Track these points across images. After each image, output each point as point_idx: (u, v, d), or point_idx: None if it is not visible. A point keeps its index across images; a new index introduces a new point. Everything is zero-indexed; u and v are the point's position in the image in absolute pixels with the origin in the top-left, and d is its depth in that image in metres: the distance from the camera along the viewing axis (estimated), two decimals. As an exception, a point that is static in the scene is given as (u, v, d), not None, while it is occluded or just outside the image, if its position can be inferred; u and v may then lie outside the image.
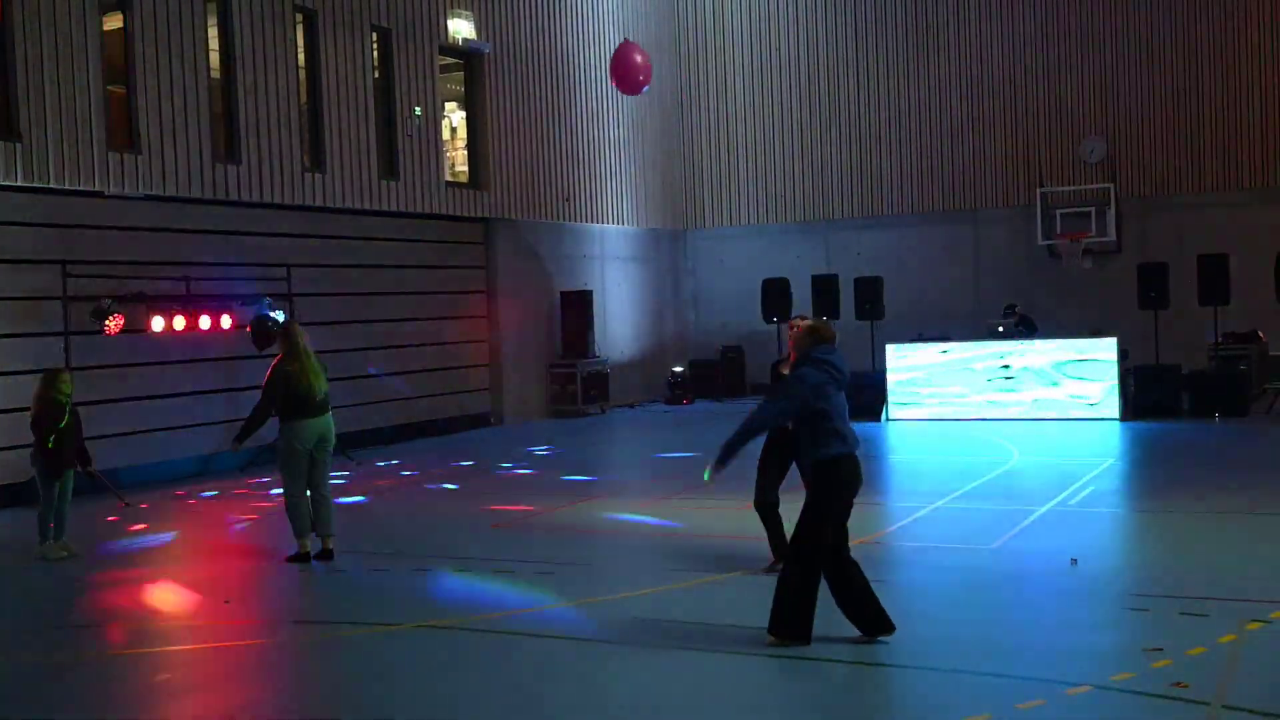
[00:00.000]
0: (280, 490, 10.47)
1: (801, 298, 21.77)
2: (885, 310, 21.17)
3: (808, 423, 7.08)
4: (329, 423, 10.16)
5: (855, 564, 7.20)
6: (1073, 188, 23.07)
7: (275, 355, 10.36)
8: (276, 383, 9.91)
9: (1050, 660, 6.74)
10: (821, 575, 7.03)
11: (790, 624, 7.00)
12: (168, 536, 11.64)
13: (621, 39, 24.18)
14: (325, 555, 10.07)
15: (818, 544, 6.98)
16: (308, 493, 10.07)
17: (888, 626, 7.09)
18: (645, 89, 12.24)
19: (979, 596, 8.36)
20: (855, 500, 7.24)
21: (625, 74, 12.32)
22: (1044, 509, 11.39)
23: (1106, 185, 22.64)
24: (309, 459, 10.03)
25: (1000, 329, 19.54)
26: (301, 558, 10.01)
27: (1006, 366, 18.73)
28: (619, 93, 24.12)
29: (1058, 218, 22.71)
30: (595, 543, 10.73)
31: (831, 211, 25.13)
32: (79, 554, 10.60)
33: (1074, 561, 9.05)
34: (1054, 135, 23.37)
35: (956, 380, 19.05)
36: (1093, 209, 22.49)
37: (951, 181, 24.17)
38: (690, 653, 7.16)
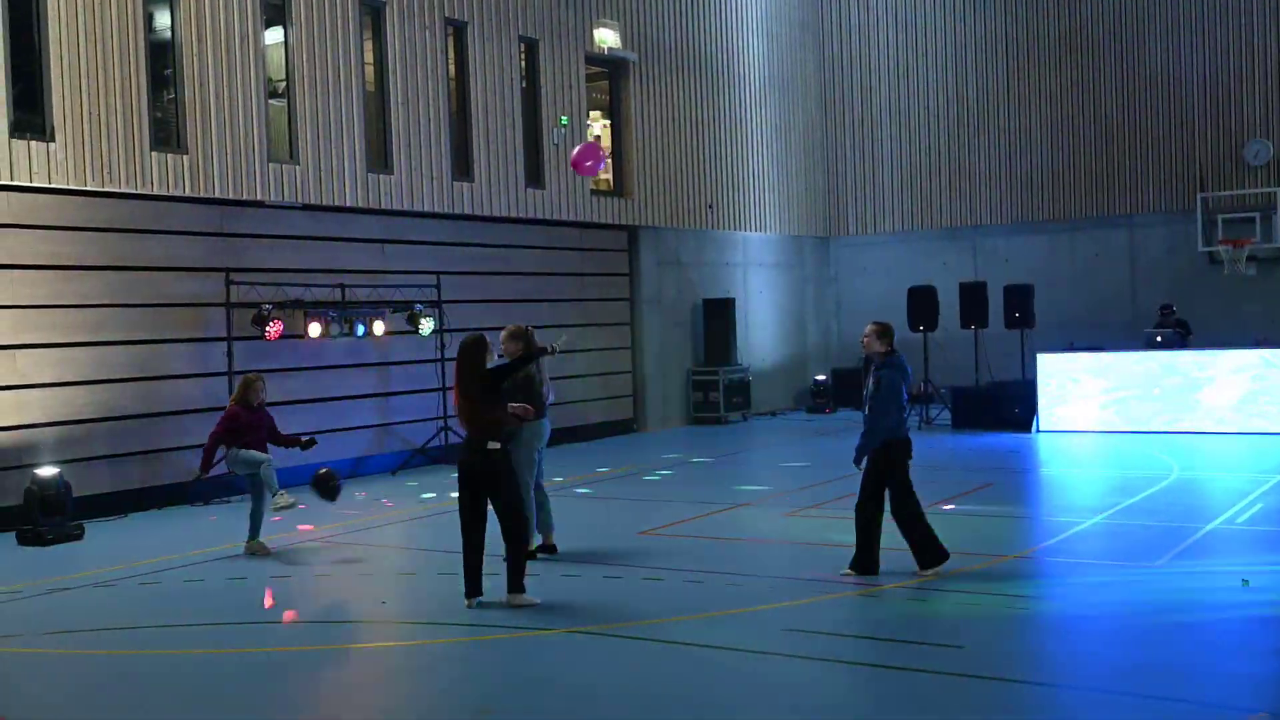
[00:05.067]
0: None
1: (948, 305, 21.37)
2: (1036, 319, 20.68)
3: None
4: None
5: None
6: (1236, 192, 22.16)
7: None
8: (519, 384, 10.01)
9: (1222, 685, 6.47)
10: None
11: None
12: (329, 535, 11.95)
13: (765, 45, 24.20)
14: (550, 549, 10.41)
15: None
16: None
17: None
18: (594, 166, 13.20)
19: (1142, 617, 8.05)
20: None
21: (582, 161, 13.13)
22: (1209, 526, 10.95)
23: (1273, 189, 21.70)
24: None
25: (1159, 339, 18.85)
26: (540, 550, 10.29)
27: (1165, 379, 18.08)
28: (763, 98, 24.10)
29: (1219, 223, 21.84)
30: (742, 552, 10.68)
31: (980, 217, 24.60)
32: (273, 553, 10.98)
33: (1245, 582, 8.68)
34: (1216, 137, 22.49)
35: (1112, 391, 18.46)
36: (1258, 214, 21.57)
37: (1106, 186, 23.43)
38: (833, 664, 7.06)
